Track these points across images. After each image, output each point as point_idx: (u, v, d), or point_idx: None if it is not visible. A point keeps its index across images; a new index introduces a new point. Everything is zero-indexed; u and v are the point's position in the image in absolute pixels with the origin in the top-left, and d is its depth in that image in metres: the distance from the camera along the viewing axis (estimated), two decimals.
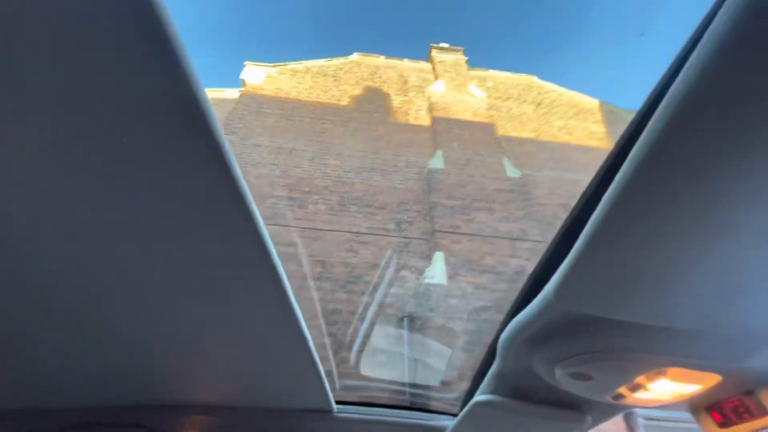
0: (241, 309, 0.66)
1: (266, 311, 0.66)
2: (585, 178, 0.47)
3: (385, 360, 3.71)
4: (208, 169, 0.42)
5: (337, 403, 1.18)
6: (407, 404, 3.22)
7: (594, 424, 0.85)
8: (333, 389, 1.08)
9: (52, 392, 1.04)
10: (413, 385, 3.49)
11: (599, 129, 7.80)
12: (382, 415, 1.20)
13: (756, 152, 0.29)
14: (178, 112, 0.37)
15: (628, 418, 4.04)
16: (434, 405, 3.32)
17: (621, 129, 0.42)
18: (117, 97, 0.36)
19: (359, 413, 1.19)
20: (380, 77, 7.96)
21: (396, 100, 7.48)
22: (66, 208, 0.46)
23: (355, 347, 3.74)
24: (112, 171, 0.42)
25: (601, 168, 0.44)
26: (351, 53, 8.22)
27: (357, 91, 7.52)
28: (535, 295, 0.54)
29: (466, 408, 0.89)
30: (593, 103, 8.37)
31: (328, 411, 1.14)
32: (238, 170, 0.43)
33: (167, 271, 0.57)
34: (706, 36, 0.26)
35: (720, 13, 0.25)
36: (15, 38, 0.31)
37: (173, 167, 0.41)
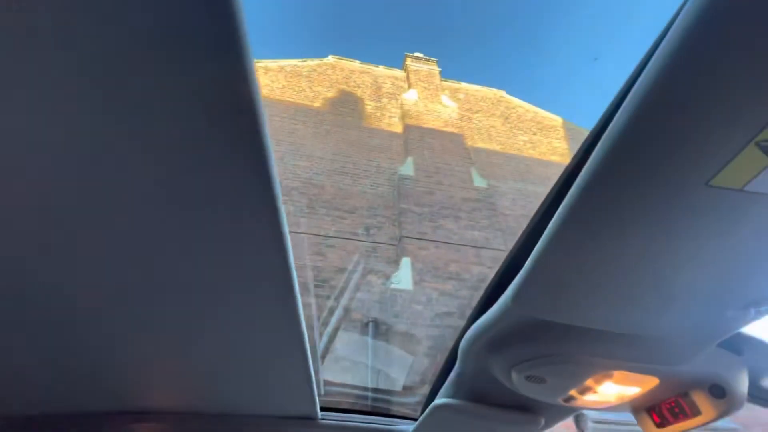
0: (247, 313, 0.65)
1: (274, 316, 0.65)
2: (545, 191, 0.50)
3: (349, 365, 3.68)
4: (253, 170, 0.42)
5: (322, 410, 1.16)
6: (377, 411, 3.21)
7: (547, 426, 0.88)
8: (319, 395, 1.06)
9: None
10: (376, 390, 3.49)
11: (561, 145, 8.21)
12: (364, 422, 1.19)
13: (691, 169, 0.32)
14: (235, 113, 0.37)
15: (579, 421, 4.23)
16: (396, 410, 3.33)
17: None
18: (185, 96, 0.36)
19: (343, 420, 1.17)
20: (354, 81, 7.98)
21: (369, 106, 7.53)
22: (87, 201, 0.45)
23: (320, 351, 3.69)
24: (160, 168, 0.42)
25: (558, 181, 0.47)
26: (326, 55, 8.19)
27: (330, 94, 7.49)
28: (495, 301, 0.57)
29: (426, 411, 0.90)
30: (557, 120, 8.80)
31: (313, 418, 1.12)
32: (276, 177, 0.43)
33: (173, 271, 0.55)
34: (650, 62, 0.29)
35: (663, 42, 0.28)
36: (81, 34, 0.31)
37: (219, 166, 0.42)
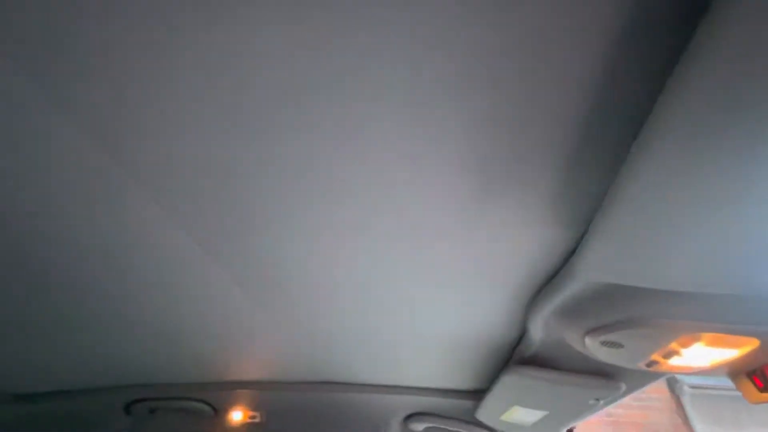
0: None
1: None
2: None
3: None
4: None
5: None
6: None
7: (629, 391, 0.85)
8: None
9: (117, 370, 1.15)
10: None
11: None
12: None
13: None
14: None
15: (673, 386, 3.95)
16: None
17: None
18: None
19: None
20: None
21: None
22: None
23: None
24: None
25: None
26: None
27: None
28: (563, 267, 0.54)
29: (498, 380, 0.91)
30: None
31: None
32: None
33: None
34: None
35: None
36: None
37: None
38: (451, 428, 1.26)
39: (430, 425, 1.28)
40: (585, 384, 0.81)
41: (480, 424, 1.20)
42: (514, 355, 0.86)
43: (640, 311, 0.53)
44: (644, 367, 0.67)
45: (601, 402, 0.86)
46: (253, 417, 1.35)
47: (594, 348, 0.64)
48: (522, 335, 0.80)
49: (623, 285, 0.49)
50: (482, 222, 0.52)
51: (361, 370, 1.17)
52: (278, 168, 0.45)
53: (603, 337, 0.60)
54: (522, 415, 1.02)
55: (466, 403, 1.19)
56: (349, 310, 0.80)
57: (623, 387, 0.81)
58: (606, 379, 0.79)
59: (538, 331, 0.71)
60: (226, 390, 1.27)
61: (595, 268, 0.46)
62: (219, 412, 1.32)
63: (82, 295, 0.73)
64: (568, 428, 1.16)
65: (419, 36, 0.32)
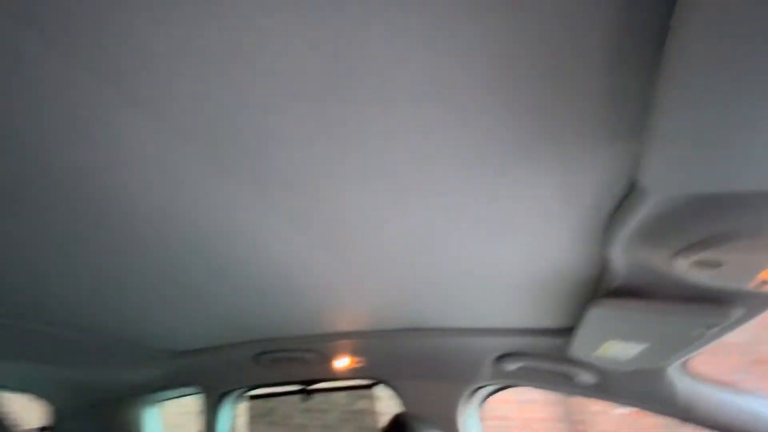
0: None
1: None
2: None
3: None
4: None
5: None
6: None
7: (747, 317, 0.75)
8: None
9: (244, 329, 1.39)
10: None
11: None
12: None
13: None
14: None
15: None
16: None
17: None
18: None
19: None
20: None
21: None
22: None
23: None
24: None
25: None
26: None
27: None
28: (631, 187, 0.50)
29: (585, 315, 0.88)
30: None
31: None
32: None
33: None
34: None
35: None
36: None
37: None
38: (544, 366, 1.26)
39: (523, 364, 1.30)
40: (686, 312, 0.74)
41: (575, 362, 1.18)
42: (599, 289, 0.82)
43: (736, 222, 0.47)
44: (755, 289, 0.59)
45: (712, 331, 0.78)
46: (357, 362, 1.51)
47: (686, 270, 0.58)
48: (603, 267, 0.75)
49: (708, 194, 0.43)
50: (544, 156, 0.50)
51: (450, 316, 1.22)
52: (359, 136, 0.48)
53: (695, 257, 0.54)
54: (619, 349, 0.98)
55: (557, 341, 1.18)
56: (433, 262, 0.84)
57: (735, 313, 0.72)
58: (712, 304, 0.71)
59: (619, 261, 0.66)
60: (332, 341, 1.44)
61: (663, 180, 0.42)
62: (327, 358, 1.51)
63: (214, 272, 0.89)
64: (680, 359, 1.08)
65: None
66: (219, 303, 1.12)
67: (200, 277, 0.93)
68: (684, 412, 1.10)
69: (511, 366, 1.31)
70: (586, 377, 1.21)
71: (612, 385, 1.20)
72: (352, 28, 0.35)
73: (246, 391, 1.81)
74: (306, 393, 1.71)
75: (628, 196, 0.52)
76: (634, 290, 0.75)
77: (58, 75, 0.40)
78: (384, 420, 4.46)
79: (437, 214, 0.65)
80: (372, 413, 4.73)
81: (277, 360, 1.55)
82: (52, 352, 1.29)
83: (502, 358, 1.32)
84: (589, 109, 0.42)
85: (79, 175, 0.55)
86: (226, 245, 0.78)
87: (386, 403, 4.63)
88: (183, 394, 1.84)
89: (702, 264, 0.55)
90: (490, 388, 1.46)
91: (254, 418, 5.12)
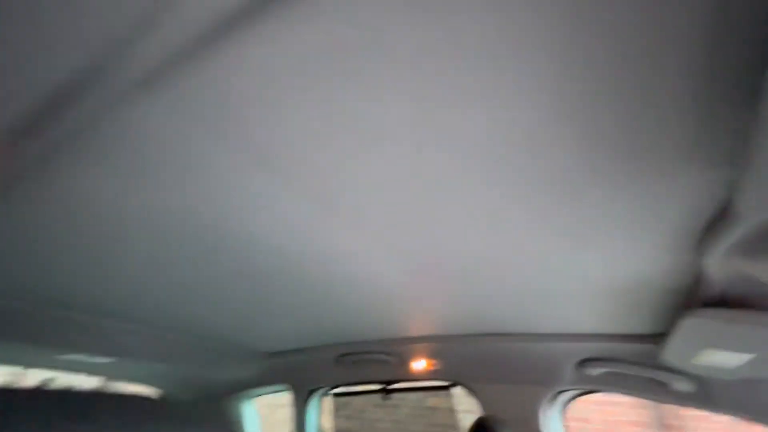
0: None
1: None
2: None
3: None
4: None
5: None
6: None
7: None
8: None
9: (329, 333, 1.51)
10: None
11: None
12: None
13: None
14: None
15: None
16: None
17: None
18: None
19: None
20: None
21: None
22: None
23: None
24: None
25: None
26: None
27: None
28: (728, 206, 0.49)
29: (680, 323, 0.84)
30: None
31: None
32: None
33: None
34: None
35: None
36: None
37: None
38: (632, 372, 1.21)
39: (608, 370, 1.26)
40: None
41: (669, 368, 1.12)
42: (695, 298, 0.78)
43: None
44: None
45: None
46: (434, 364, 1.57)
47: None
48: (699, 277, 0.72)
49: None
50: (634, 169, 0.51)
51: (530, 321, 1.23)
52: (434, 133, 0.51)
53: None
54: (720, 357, 0.92)
55: (646, 347, 1.13)
56: (515, 270, 0.86)
57: None
58: None
59: (718, 272, 0.64)
60: (411, 344, 1.51)
61: (759, 206, 0.41)
62: (404, 361, 1.58)
63: (303, 282, 1.00)
64: None
65: None
66: (307, 310, 1.24)
67: (292, 288, 1.05)
68: None
69: (595, 371, 1.28)
70: (683, 385, 1.14)
71: (714, 394, 1.12)
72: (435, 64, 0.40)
73: (330, 389, 1.95)
74: (385, 392, 1.80)
75: (722, 216, 0.51)
76: (734, 300, 0.72)
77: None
78: (456, 417, 4.42)
79: (523, 224, 0.67)
80: (443, 410, 4.76)
81: (358, 361, 1.65)
82: (168, 352, 1.51)
83: (585, 362, 1.29)
84: (678, 133, 0.43)
85: (198, 214, 0.68)
86: (314, 263, 0.88)
87: (458, 401, 4.63)
88: (275, 390, 2.04)
89: None
90: (573, 393, 1.43)
91: (331, 412, 5.41)
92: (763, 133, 0.33)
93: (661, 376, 1.16)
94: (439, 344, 1.48)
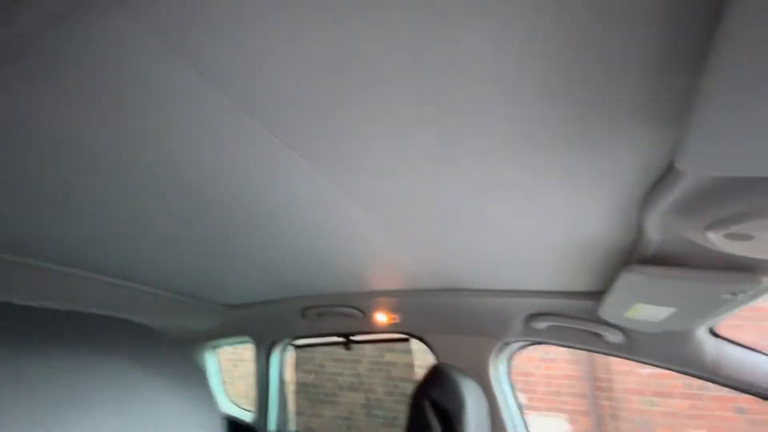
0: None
1: None
2: None
3: None
4: None
5: None
6: None
7: None
8: None
9: (292, 286, 1.53)
10: None
11: None
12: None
13: None
14: None
15: None
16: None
17: None
18: None
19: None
20: None
21: None
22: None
23: None
24: None
25: None
26: None
27: None
28: (669, 166, 0.54)
29: (617, 279, 0.93)
30: None
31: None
32: None
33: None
34: None
35: None
36: None
37: None
38: (573, 326, 1.34)
39: (553, 324, 1.38)
40: (715, 279, 0.79)
41: (604, 322, 1.25)
42: (633, 256, 0.87)
43: (763, 200, 0.50)
44: None
45: (739, 296, 0.83)
46: (394, 318, 1.65)
47: (718, 242, 0.62)
48: (638, 236, 0.80)
49: (738, 177, 0.47)
50: (585, 130, 0.54)
51: (485, 278, 1.31)
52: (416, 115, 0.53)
53: (726, 230, 0.58)
54: (648, 311, 1.04)
55: (587, 303, 1.25)
56: (467, 226, 0.90)
57: (766, 280, 0.76)
58: (742, 272, 0.75)
59: (654, 231, 0.71)
60: (372, 298, 1.57)
61: (699, 164, 0.46)
62: (367, 314, 1.65)
63: (267, 234, 1.00)
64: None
65: None
66: (270, 263, 1.25)
67: (255, 241, 1.05)
68: (711, 373, 1.16)
69: (541, 324, 1.40)
70: (615, 337, 1.28)
71: (639, 345, 1.27)
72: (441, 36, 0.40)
73: (292, 341, 2.00)
74: (346, 344, 1.88)
75: (665, 175, 0.56)
76: (666, 258, 0.80)
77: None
78: (413, 371, 4.69)
79: (480, 184, 0.71)
80: (399, 365, 5.05)
81: (321, 314, 1.70)
82: (129, 303, 1.48)
83: (533, 317, 1.40)
84: (629, 94, 0.46)
85: (160, 158, 0.66)
86: (280, 215, 0.88)
87: (414, 357, 4.92)
88: (237, 342, 2.07)
89: (733, 236, 0.59)
90: (520, 344, 1.56)
91: (292, 366, 5.58)
92: (704, 93, 0.36)
93: (598, 328, 1.29)
94: (399, 299, 1.55)
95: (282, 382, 2.03)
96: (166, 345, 0.36)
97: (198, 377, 0.35)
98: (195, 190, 0.78)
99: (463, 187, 0.72)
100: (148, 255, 1.16)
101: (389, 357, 5.13)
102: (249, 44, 0.44)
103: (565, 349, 1.62)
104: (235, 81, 0.50)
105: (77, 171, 0.70)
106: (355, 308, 1.64)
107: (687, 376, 1.24)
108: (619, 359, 1.40)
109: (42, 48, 0.43)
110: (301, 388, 5.45)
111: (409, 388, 1.43)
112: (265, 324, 1.87)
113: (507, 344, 1.54)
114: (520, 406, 1.55)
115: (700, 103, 0.38)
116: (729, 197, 0.53)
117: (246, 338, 1.98)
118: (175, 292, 1.55)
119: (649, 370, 4.10)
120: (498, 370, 1.54)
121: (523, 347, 1.58)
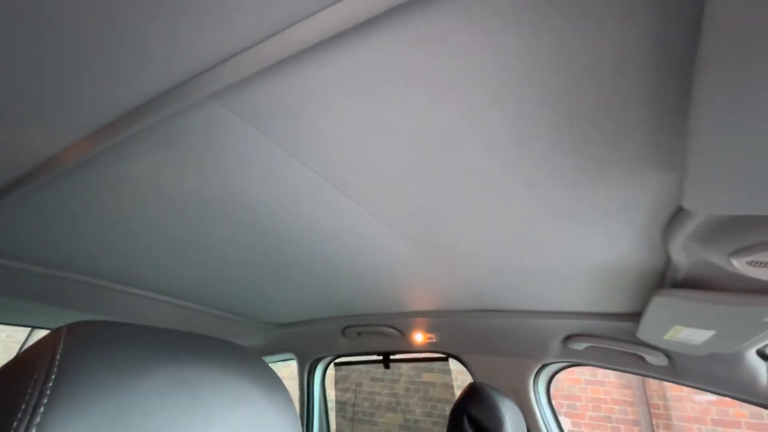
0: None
1: None
2: None
3: None
4: None
5: None
6: None
7: None
8: None
9: (333, 306, 1.63)
10: None
11: None
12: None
13: None
14: None
15: None
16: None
17: None
18: None
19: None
20: None
21: None
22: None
23: None
24: None
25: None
26: None
27: None
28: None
29: (650, 302, 0.95)
30: None
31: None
32: None
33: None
34: None
35: None
36: None
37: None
38: (611, 347, 1.33)
39: (590, 344, 1.38)
40: (753, 302, 0.79)
41: (645, 344, 1.24)
42: (665, 279, 0.89)
43: None
44: None
45: None
46: (430, 338, 1.69)
47: (743, 268, 0.65)
48: (668, 262, 0.82)
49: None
50: (613, 170, 0.60)
51: (519, 299, 1.34)
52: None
53: (749, 258, 0.61)
54: (687, 334, 1.03)
55: (625, 325, 1.25)
56: (504, 250, 0.96)
57: None
58: (765, 295, 0.76)
59: (681, 257, 0.74)
60: (410, 318, 1.63)
61: (704, 204, 0.50)
62: (405, 334, 1.71)
63: (313, 260, 1.11)
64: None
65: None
66: (316, 285, 1.35)
67: (302, 267, 1.16)
68: (765, 398, 1.12)
69: (579, 345, 1.40)
70: (658, 359, 1.26)
71: (685, 368, 1.24)
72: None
73: (333, 359, 2.09)
74: (385, 362, 1.94)
75: (679, 210, 0.61)
76: (701, 281, 0.82)
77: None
78: (453, 392, 4.58)
79: (519, 209, 0.76)
80: (436, 385, 4.99)
81: (360, 333, 1.78)
82: (187, 322, 1.64)
83: (571, 338, 1.41)
84: (634, 145, 0.52)
85: (220, 201, 0.79)
86: (326, 244, 0.99)
87: (453, 377, 4.84)
88: (282, 359, 2.18)
89: (756, 264, 0.62)
90: (559, 365, 1.56)
91: (331, 384, 5.65)
92: (693, 140, 0.40)
93: (638, 350, 1.28)
94: (436, 319, 1.60)
95: (324, 399, 2.11)
96: (257, 360, 0.44)
97: (282, 387, 0.43)
98: (255, 227, 0.91)
99: (501, 214, 0.78)
100: (213, 281, 1.30)
101: (426, 377, 5.08)
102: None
103: (613, 372, 1.58)
104: (311, 153, 0.61)
105: (176, 218, 0.87)
106: (394, 328, 1.70)
107: (754, 406, 1.19)
108: (675, 384, 1.36)
109: (166, 129, 0.58)
110: (339, 406, 5.50)
111: (448, 410, 1.44)
112: (309, 342, 1.97)
113: (545, 365, 1.54)
114: (561, 429, 1.53)
115: (693, 148, 0.42)
116: (745, 229, 0.56)
117: (290, 355, 2.09)
118: (231, 312, 1.69)
119: (707, 396, 3.81)
120: (537, 391, 1.53)
121: (562, 369, 1.58)
